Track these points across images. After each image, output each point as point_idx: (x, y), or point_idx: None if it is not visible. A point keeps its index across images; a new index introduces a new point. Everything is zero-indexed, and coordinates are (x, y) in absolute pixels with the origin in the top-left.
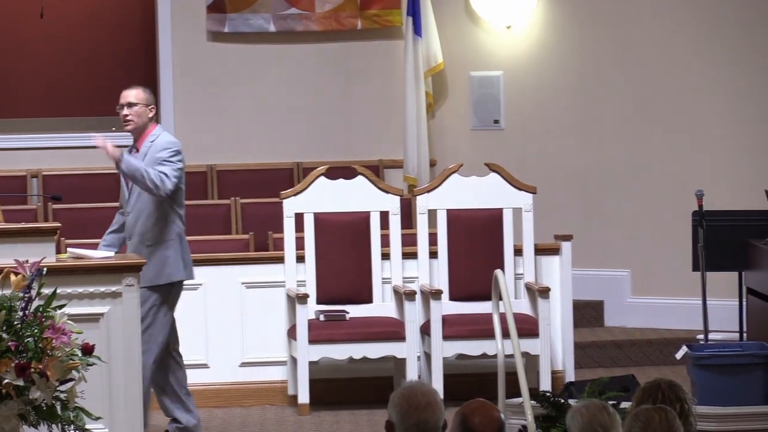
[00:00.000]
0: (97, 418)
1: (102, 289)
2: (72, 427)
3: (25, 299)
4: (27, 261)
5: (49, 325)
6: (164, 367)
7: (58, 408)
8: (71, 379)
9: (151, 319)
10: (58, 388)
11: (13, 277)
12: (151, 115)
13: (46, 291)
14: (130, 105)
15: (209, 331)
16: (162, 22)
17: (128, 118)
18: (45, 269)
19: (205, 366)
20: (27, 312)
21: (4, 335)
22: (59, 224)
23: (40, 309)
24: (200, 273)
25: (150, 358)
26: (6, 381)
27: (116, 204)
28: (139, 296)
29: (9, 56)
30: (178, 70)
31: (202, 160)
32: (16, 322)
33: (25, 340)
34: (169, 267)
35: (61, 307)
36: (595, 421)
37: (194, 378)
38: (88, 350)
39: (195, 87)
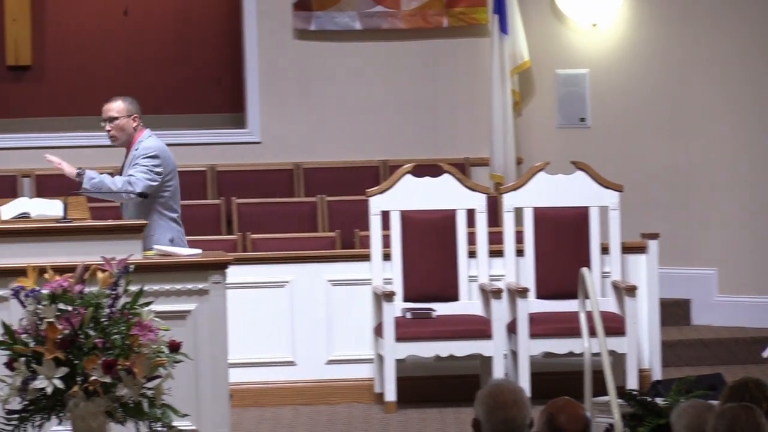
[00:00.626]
0: (184, 416)
1: (189, 286)
2: (159, 424)
3: (112, 296)
4: (114, 258)
5: (136, 322)
6: None
7: (145, 405)
8: (158, 376)
9: None
10: (145, 386)
11: (100, 275)
12: (134, 124)
13: (133, 288)
14: (111, 119)
15: (295, 329)
16: (248, 20)
17: (111, 133)
18: (132, 266)
19: (291, 364)
20: (114, 309)
21: (92, 332)
22: (145, 222)
23: (127, 306)
24: (286, 271)
25: None
26: (93, 378)
27: (201, 201)
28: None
29: (96, 54)
30: (264, 68)
31: (289, 158)
32: (103, 320)
33: (112, 338)
34: None
35: (147, 304)
36: (701, 422)
37: (281, 376)
38: (174, 347)
39: (281, 85)
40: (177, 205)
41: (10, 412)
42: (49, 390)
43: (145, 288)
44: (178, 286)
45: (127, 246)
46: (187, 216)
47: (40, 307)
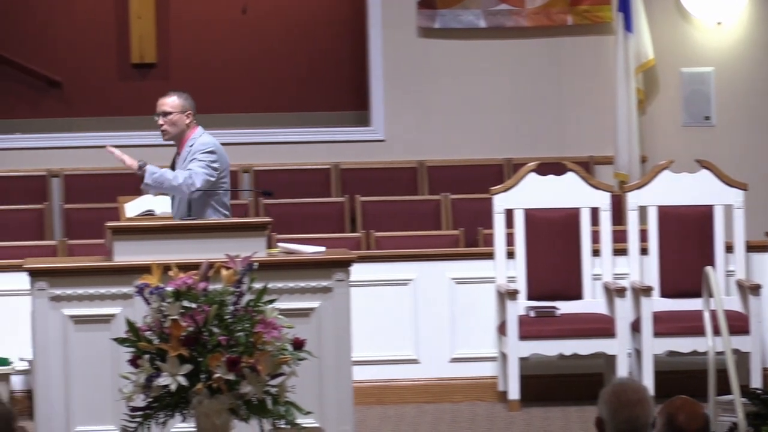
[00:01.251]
0: (308, 413)
1: (312, 284)
2: (282, 421)
3: (236, 294)
4: (238, 256)
5: (260, 319)
6: None
7: (269, 402)
8: (282, 374)
9: None
10: (268, 383)
11: (224, 272)
12: (188, 121)
13: (257, 286)
14: (165, 114)
15: (419, 327)
16: (372, 18)
17: (163, 127)
18: (256, 264)
19: (415, 362)
20: (238, 307)
21: (215, 330)
22: (270, 219)
23: (251, 304)
24: (410, 268)
25: None
26: (217, 375)
27: (325, 199)
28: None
29: (218, 51)
30: (388, 66)
31: (412, 156)
32: (227, 317)
33: (236, 335)
34: None
35: (271, 301)
36: None
37: (404, 374)
38: (298, 345)
39: (405, 83)
40: (229, 203)
41: (134, 409)
42: (173, 387)
43: (269, 285)
44: (302, 284)
45: (251, 243)
46: (310, 214)
47: (164, 304)
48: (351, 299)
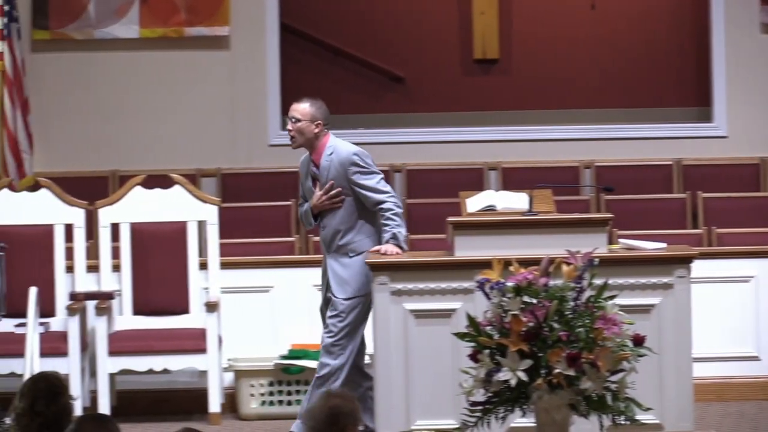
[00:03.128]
0: (647, 409)
1: (653, 280)
2: (622, 417)
3: (577, 290)
4: (578, 251)
5: (600, 315)
6: (359, 373)
7: (609, 398)
8: (622, 370)
9: (353, 326)
10: (608, 379)
11: (564, 268)
12: (316, 131)
13: (598, 282)
14: (294, 120)
15: (760, 324)
16: (715, 14)
17: (291, 133)
18: (597, 260)
19: (755, 359)
20: (578, 302)
21: (556, 325)
22: (611, 215)
23: (592, 299)
24: (751, 265)
25: (344, 361)
26: (557, 371)
27: (667, 195)
28: (351, 304)
29: (562, 47)
30: (731, 62)
31: (755, 152)
32: (567, 313)
33: (576, 331)
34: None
35: (612, 297)
36: None
37: (744, 370)
38: (638, 341)
39: (747, 79)
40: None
41: (474, 404)
42: (513, 382)
43: (609, 281)
44: (643, 280)
45: (592, 239)
46: (651, 209)
47: (504, 299)
48: (691, 295)
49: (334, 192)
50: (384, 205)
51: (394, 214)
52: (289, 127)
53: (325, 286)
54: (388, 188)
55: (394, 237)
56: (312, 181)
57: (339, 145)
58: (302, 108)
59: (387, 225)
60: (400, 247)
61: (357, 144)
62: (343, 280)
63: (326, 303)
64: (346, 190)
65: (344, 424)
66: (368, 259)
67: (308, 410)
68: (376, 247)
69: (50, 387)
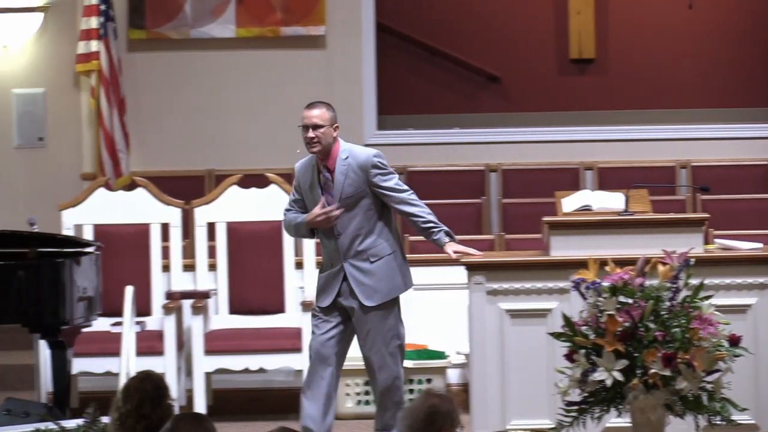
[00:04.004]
0: (743, 410)
1: (749, 280)
2: (718, 418)
3: (673, 289)
4: (674, 251)
5: (696, 315)
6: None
7: (704, 399)
8: (717, 370)
9: (396, 330)
10: (704, 379)
11: (660, 268)
12: (335, 134)
13: (694, 282)
14: (316, 127)
15: None
16: None
17: (315, 141)
18: (692, 260)
19: None
20: (674, 302)
21: (651, 325)
22: (707, 215)
23: (687, 299)
24: None
25: (401, 370)
26: (653, 371)
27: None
28: (380, 314)
29: (658, 47)
30: None
31: None
32: (663, 313)
33: (672, 331)
34: (398, 278)
35: (708, 297)
36: None
37: None
38: (734, 341)
39: None
40: None
41: (570, 403)
42: (609, 382)
43: (706, 281)
44: (739, 280)
45: (688, 239)
46: (747, 209)
47: (600, 299)
48: None
49: (336, 213)
50: (410, 195)
51: (424, 204)
52: (311, 134)
53: (335, 293)
54: (405, 186)
55: (449, 235)
56: (320, 188)
57: (354, 149)
58: (321, 113)
59: (425, 219)
60: (452, 237)
61: (454, 144)
62: (370, 288)
63: (329, 309)
64: (362, 193)
65: (441, 425)
66: (463, 260)
67: (407, 409)
68: (454, 249)
69: (156, 389)
